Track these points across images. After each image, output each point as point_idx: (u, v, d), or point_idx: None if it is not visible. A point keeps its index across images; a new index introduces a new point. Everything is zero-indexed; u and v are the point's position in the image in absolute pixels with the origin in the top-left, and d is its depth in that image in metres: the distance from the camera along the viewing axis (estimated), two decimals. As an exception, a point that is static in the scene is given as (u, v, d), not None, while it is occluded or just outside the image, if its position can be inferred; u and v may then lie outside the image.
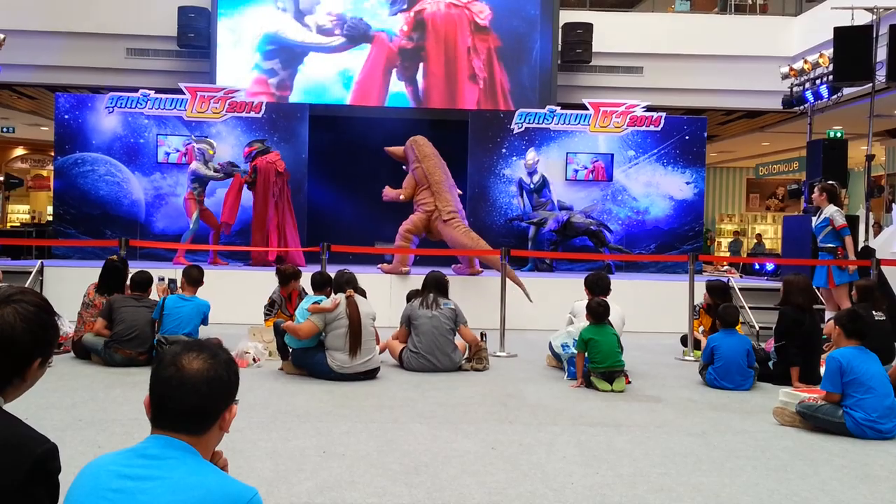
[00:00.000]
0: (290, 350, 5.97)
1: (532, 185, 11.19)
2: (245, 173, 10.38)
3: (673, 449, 4.09)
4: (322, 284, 6.44)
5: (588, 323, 5.91)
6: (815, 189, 8.02)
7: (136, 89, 11.47)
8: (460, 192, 10.12)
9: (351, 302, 5.78)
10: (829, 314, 7.57)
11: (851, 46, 10.23)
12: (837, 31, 10.36)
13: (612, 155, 11.79)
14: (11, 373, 1.64)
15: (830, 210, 7.72)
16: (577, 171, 11.74)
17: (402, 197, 9.76)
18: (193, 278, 6.39)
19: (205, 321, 6.30)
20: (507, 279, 8.47)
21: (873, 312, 6.20)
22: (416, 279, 7.78)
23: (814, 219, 8.11)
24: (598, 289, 6.57)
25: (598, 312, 5.86)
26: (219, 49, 13.28)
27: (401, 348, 6.36)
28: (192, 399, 1.61)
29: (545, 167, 11.39)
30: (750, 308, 8.86)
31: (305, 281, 7.09)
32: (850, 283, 7.33)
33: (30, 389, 1.74)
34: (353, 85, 13.35)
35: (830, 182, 8.20)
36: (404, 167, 10.07)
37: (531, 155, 11.23)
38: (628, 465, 3.77)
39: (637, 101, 11.92)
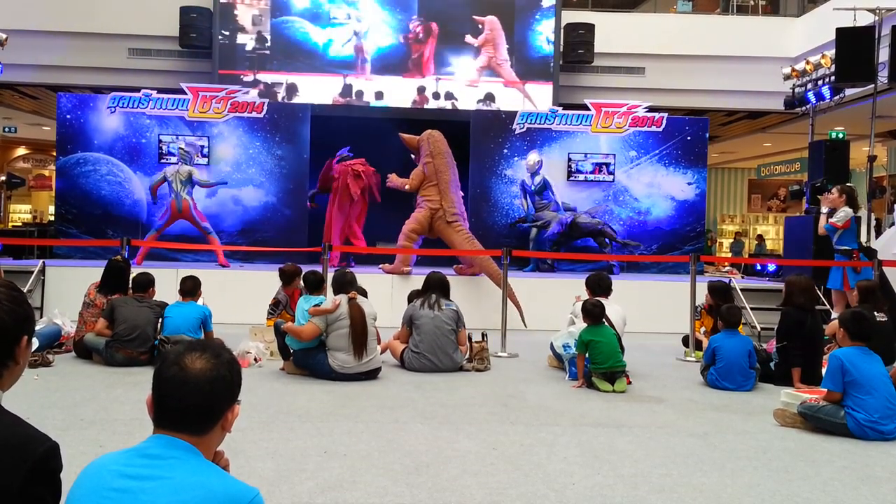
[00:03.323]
0: (292, 351, 5.98)
1: (533, 187, 11.19)
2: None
3: (674, 449, 4.09)
4: (317, 284, 6.44)
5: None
6: (834, 190, 8.05)
7: (137, 89, 11.49)
8: (462, 194, 10.11)
9: (354, 304, 5.78)
10: (835, 315, 7.57)
11: (853, 47, 10.21)
12: (839, 31, 10.35)
13: (614, 155, 11.79)
14: (4, 356, 1.63)
15: (845, 210, 7.78)
16: (578, 171, 11.75)
17: (407, 187, 9.63)
18: (186, 290, 6.42)
19: (206, 325, 6.30)
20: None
21: (875, 313, 6.19)
22: (418, 279, 7.78)
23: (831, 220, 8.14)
24: (599, 289, 6.57)
25: (593, 313, 5.85)
26: (220, 49, 13.32)
27: (402, 348, 6.36)
28: (195, 399, 1.61)
29: (547, 167, 11.39)
30: (751, 309, 8.85)
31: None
32: None
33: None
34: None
35: (849, 185, 8.25)
36: (412, 156, 9.96)
37: (533, 156, 11.23)
38: (630, 466, 3.76)
39: (639, 102, 11.92)
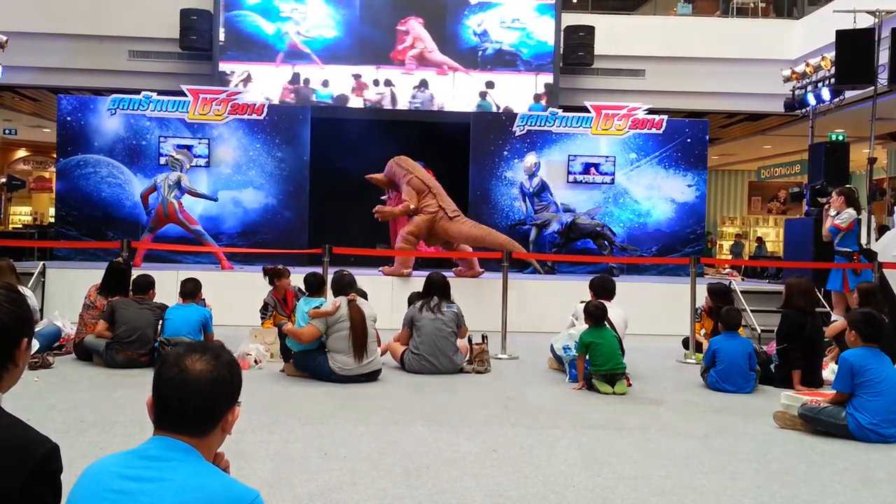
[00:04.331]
0: (292, 352, 5.98)
1: (531, 189, 11.20)
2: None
3: (674, 452, 4.09)
4: (318, 286, 6.43)
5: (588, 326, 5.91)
6: (833, 193, 8.06)
7: (138, 91, 11.51)
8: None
9: (353, 306, 5.78)
10: (835, 317, 7.58)
11: (853, 49, 10.22)
12: (839, 33, 10.35)
13: (614, 157, 11.79)
14: (4, 358, 1.64)
15: (848, 212, 7.80)
16: (578, 173, 11.76)
17: (411, 206, 9.56)
18: (187, 292, 6.43)
19: (207, 327, 6.30)
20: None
21: (875, 315, 6.19)
22: (418, 281, 7.78)
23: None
24: (603, 292, 6.55)
25: (595, 315, 5.85)
26: (219, 51, 13.33)
27: (402, 350, 6.36)
28: (195, 400, 1.61)
29: (546, 169, 11.40)
30: (752, 311, 8.85)
31: (298, 280, 7.06)
32: None
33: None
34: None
35: (848, 186, 8.27)
36: (388, 191, 10.14)
37: (530, 159, 11.24)
38: (630, 468, 3.76)
39: (639, 104, 11.94)
